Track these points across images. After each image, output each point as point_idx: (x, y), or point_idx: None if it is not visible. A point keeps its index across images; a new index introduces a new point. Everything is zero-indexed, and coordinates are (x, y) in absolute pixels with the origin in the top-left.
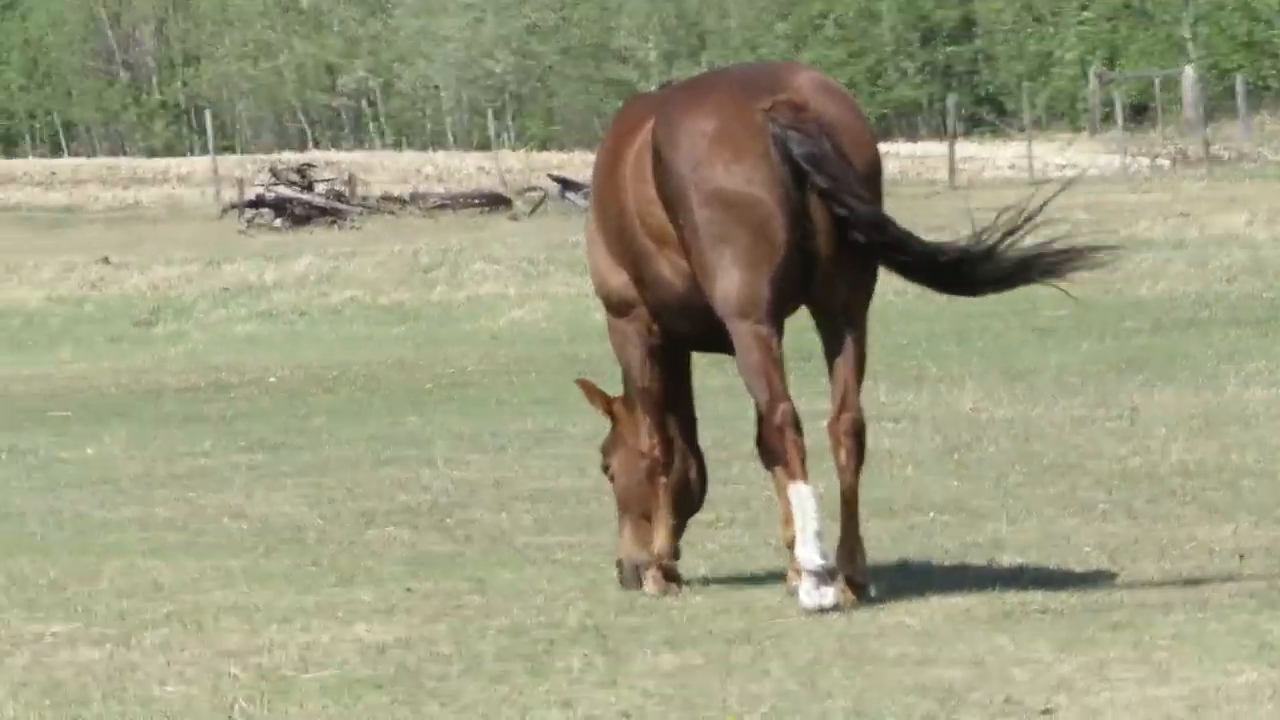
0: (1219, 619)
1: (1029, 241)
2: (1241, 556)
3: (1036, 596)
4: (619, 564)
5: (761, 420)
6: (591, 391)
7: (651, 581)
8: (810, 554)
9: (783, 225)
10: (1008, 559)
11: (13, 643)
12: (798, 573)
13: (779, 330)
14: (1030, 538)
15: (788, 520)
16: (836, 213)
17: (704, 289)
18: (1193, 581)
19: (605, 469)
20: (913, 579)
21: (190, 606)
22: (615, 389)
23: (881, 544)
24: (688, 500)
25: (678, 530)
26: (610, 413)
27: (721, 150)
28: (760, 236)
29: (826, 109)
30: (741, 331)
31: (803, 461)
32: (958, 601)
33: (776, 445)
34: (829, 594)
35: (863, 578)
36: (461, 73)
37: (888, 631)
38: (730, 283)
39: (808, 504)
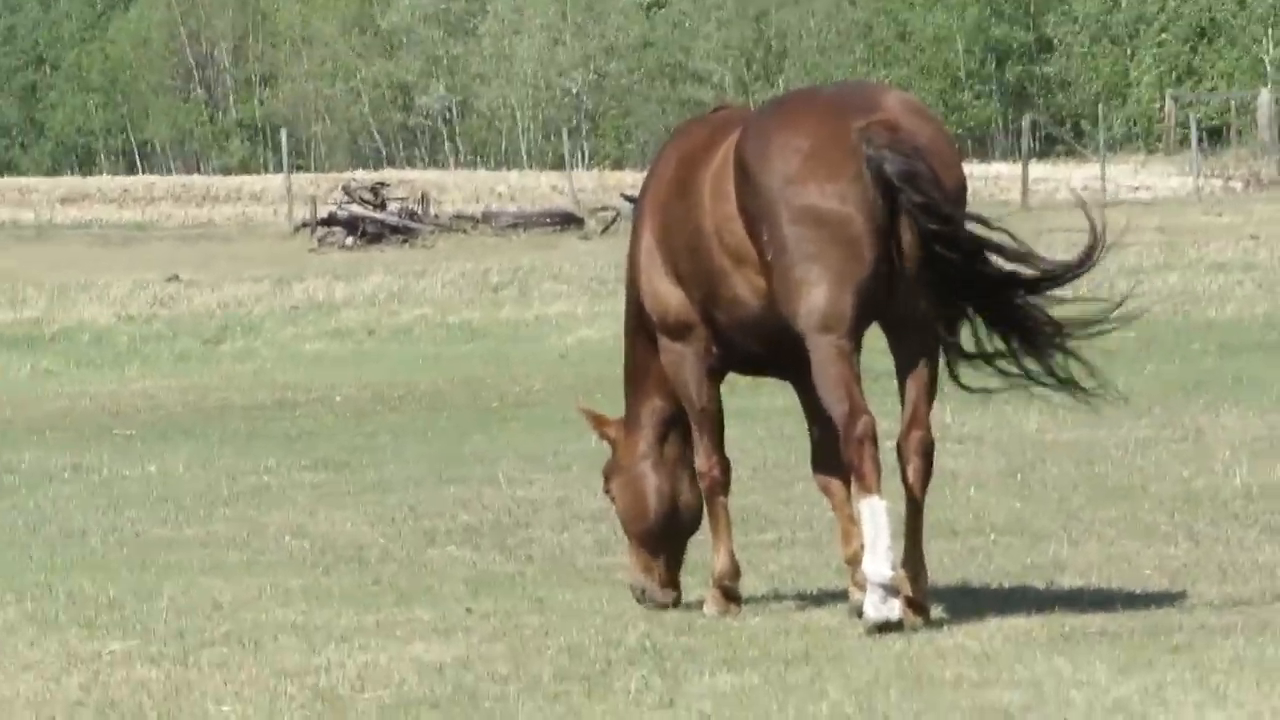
0: (1278, 643)
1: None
2: None
3: (1096, 619)
4: (631, 587)
5: (817, 443)
6: (593, 417)
7: (711, 602)
8: (880, 567)
9: (871, 244)
10: (1068, 581)
11: (70, 661)
12: (861, 587)
13: (858, 347)
14: (1091, 560)
15: (847, 538)
16: (929, 229)
17: (784, 305)
18: (1253, 605)
19: (607, 492)
20: (972, 600)
21: (249, 625)
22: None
23: (942, 565)
24: (681, 521)
25: (680, 551)
26: (609, 437)
27: (816, 168)
28: (849, 254)
29: (918, 130)
30: (823, 345)
31: (879, 475)
32: (1017, 623)
33: (854, 458)
34: (895, 607)
35: (923, 598)
36: (538, 93)
37: (946, 653)
38: (816, 298)
39: (880, 518)
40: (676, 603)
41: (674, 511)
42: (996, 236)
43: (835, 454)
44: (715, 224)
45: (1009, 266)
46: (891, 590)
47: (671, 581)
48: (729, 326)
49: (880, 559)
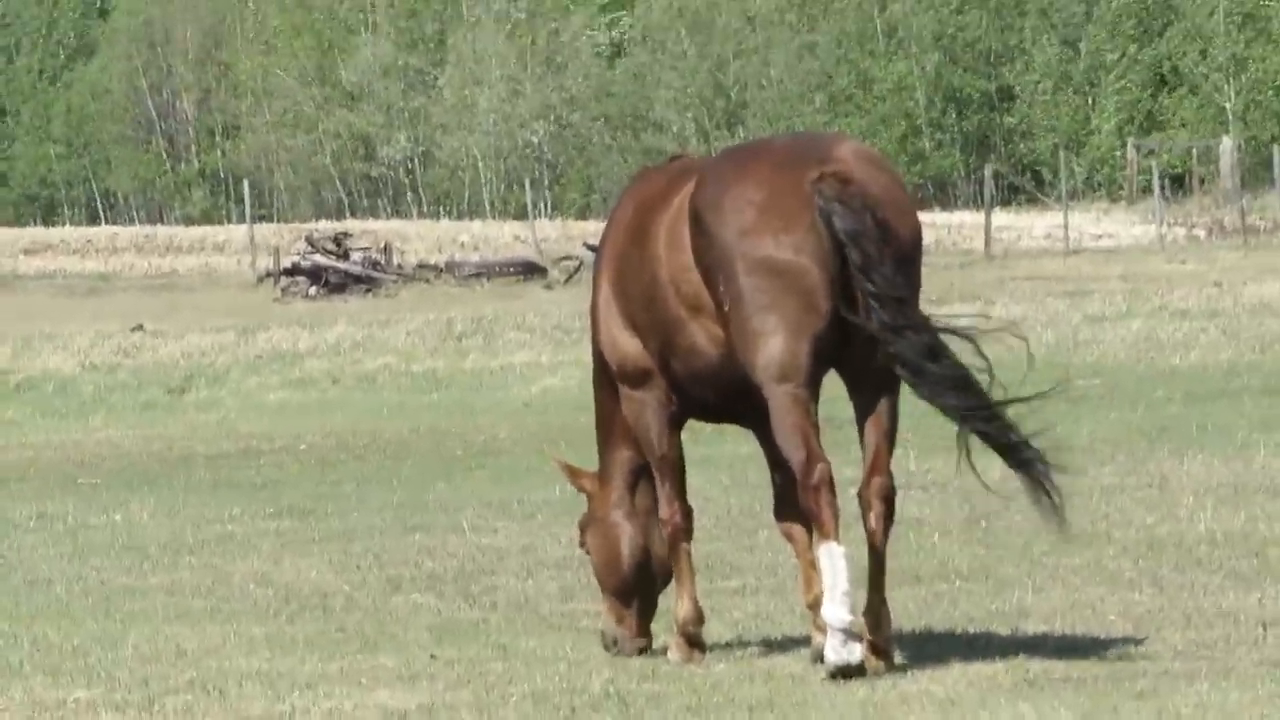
0: (1242, 689)
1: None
2: (1266, 626)
3: (1060, 665)
4: (602, 634)
5: (779, 490)
6: (568, 470)
7: (675, 649)
8: (839, 611)
9: (826, 294)
10: (1032, 627)
11: (35, 709)
12: (822, 631)
13: (816, 396)
14: (1055, 606)
15: (809, 584)
16: (867, 289)
17: (741, 354)
18: (1218, 651)
19: (581, 544)
20: (937, 646)
21: (213, 673)
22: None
23: (907, 611)
24: (653, 571)
25: (653, 600)
26: (584, 489)
27: (770, 220)
28: (805, 304)
29: (871, 180)
30: (780, 395)
31: (836, 521)
32: (981, 669)
33: (811, 504)
34: (855, 650)
35: (887, 644)
36: (499, 143)
37: (910, 699)
38: (774, 348)
39: (839, 564)
40: (644, 650)
41: (646, 561)
42: (944, 338)
43: (797, 501)
44: (671, 273)
45: (937, 350)
46: (852, 635)
47: (642, 631)
48: (686, 376)
49: (839, 604)
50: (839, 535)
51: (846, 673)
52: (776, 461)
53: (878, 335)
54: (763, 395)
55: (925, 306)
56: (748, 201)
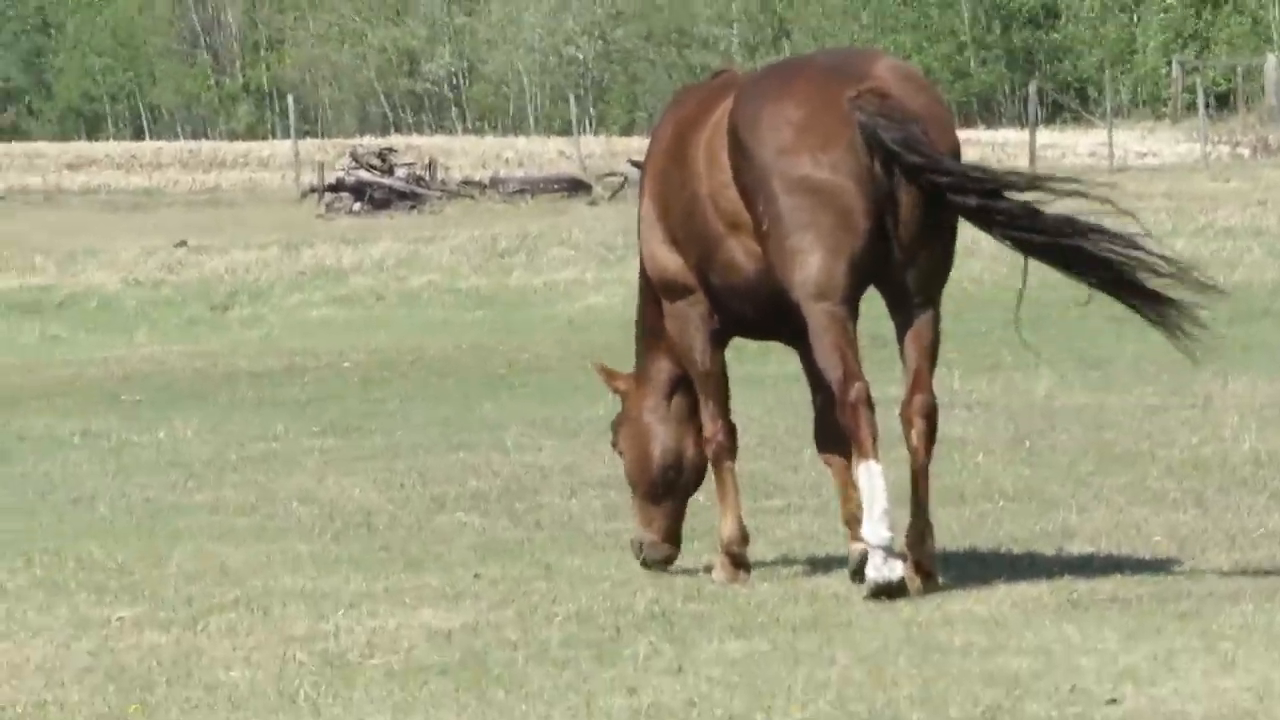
0: None
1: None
2: None
3: (1105, 585)
4: (631, 540)
5: (819, 414)
6: (604, 371)
7: (719, 568)
8: (879, 530)
9: (865, 212)
10: (1076, 548)
11: (79, 627)
12: (859, 544)
13: (854, 314)
14: (1100, 526)
15: (846, 501)
16: (937, 182)
17: (779, 272)
18: (1262, 572)
19: (614, 444)
20: (981, 567)
21: (258, 591)
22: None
23: (951, 531)
24: (683, 476)
25: (682, 507)
26: (619, 390)
27: (808, 139)
28: (843, 223)
29: (910, 96)
30: (818, 313)
31: (875, 440)
32: (1025, 590)
33: (849, 422)
34: (897, 568)
35: (931, 564)
36: (544, 59)
37: (954, 620)
38: (811, 267)
39: (877, 482)
40: (672, 559)
41: (677, 466)
42: (1005, 175)
43: (836, 427)
44: (710, 190)
45: (1028, 197)
46: (892, 553)
47: (670, 538)
48: (726, 291)
49: (878, 521)
50: (878, 454)
51: (888, 591)
52: (818, 382)
53: (979, 213)
54: (801, 313)
55: (968, 226)
56: (786, 120)
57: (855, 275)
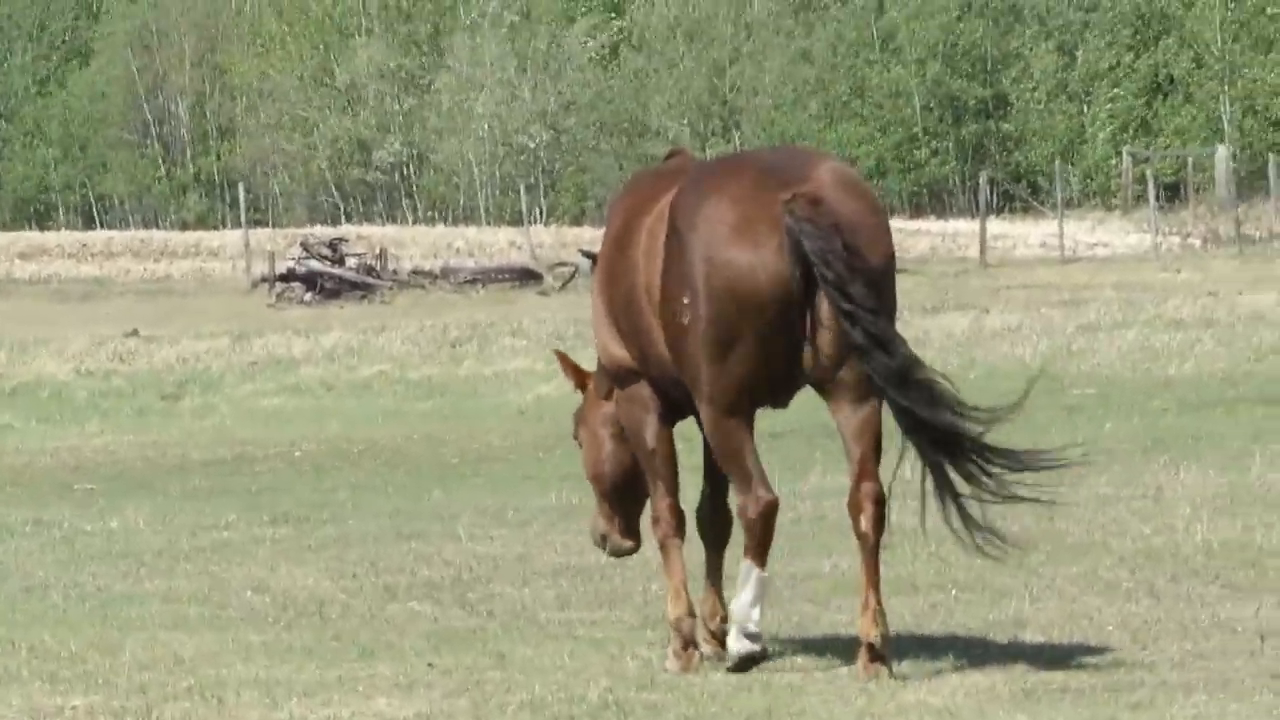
0: (1239, 700)
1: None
2: (1263, 637)
3: (1058, 675)
4: (591, 531)
5: (703, 501)
6: (567, 364)
7: (672, 658)
8: (746, 610)
9: (785, 322)
10: (1029, 637)
11: (32, 716)
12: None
13: (750, 423)
14: (1053, 616)
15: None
16: (840, 307)
17: (685, 369)
18: (1214, 661)
19: (575, 436)
20: (934, 656)
21: (211, 680)
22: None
23: (904, 620)
24: (637, 486)
25: (640, 507)
26: (582, 387)
27: (740, 240)
28: (759, 332)
29: (842, 203)
30: (716, 419)
31: (767, 549)
32: (979, 679)
33: (747, 529)
34: (753, 646)
35: (885, 652)
36: (495, 148)
37: (908, 709)
38: (717, 373)
39: (753, 574)
40: (632, 553)
41: (631, 478)
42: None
43: (714, 515)
44: (647, 280)
45: (913, 365)
46: (751, 633)
47: (629, 532)
48: (665, 382)
49: (746, 604)
50: (765, 564)
51: (749, 661)
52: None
53: (856, 350)
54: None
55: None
56: (720, 219)
57: (762, 387)
